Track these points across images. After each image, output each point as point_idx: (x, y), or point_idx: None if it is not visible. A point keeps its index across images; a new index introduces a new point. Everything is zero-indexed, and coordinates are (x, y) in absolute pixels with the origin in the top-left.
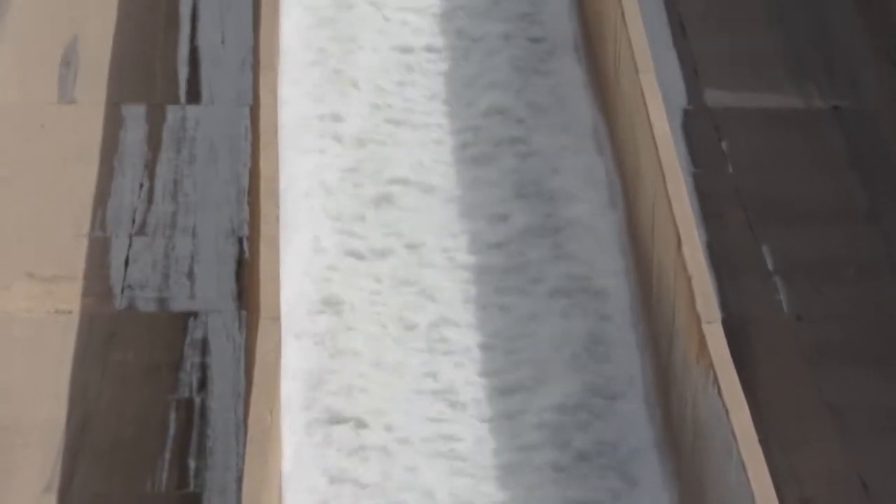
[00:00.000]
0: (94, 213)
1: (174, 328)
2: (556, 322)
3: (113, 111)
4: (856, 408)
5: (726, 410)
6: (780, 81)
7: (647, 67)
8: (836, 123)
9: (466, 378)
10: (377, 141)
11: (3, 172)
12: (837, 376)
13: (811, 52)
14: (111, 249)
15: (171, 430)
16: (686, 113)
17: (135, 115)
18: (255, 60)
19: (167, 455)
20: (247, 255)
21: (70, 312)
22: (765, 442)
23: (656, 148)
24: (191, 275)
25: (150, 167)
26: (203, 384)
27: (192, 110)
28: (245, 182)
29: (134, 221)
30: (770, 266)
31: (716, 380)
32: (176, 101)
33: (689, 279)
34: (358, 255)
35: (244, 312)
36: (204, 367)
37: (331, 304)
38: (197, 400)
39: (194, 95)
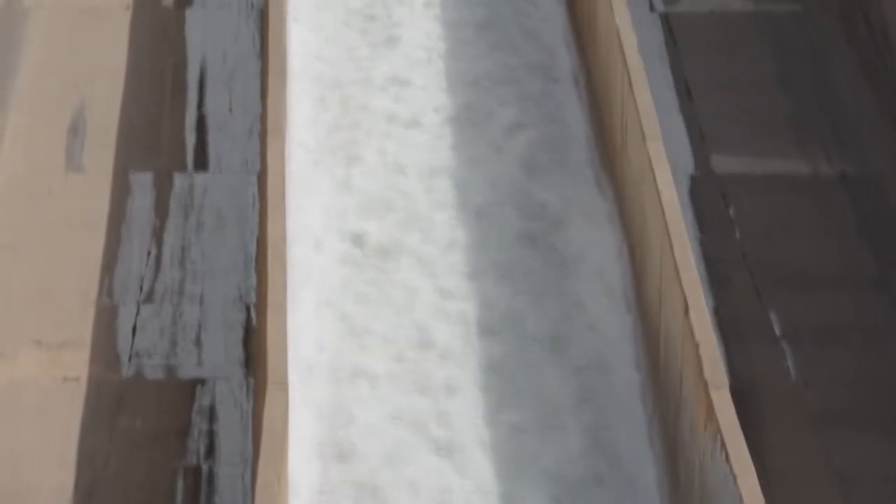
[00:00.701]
0: (102, 280)
1: (182, 395)
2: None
3: (120, 179)
4: (863, 474)
5: (734, 476)
6: (787, 147)
7: (654, 134)
8: (843, 189)
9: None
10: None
11: (11, 239)
12: (845, 442)
13: (818, 118)
14: (119, 317)
15: (179, 497)
16: (693, 179)
17: (142, 183)
18: (263, 127)
19: None
20: (254, 321)
21: (78, 379)
22: None
23: (663, 214)
24: (198, 342)
25: (158, 234)
26: (210, 451)
27: (199, 178)
28: (252, 249)
29: (141, 289)
30: (777, 331)
31: (723, 445)
32: (183, 168)
33: (696, 345)
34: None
35: (251, 379)
36: (211, 434)
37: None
38: (204, 467)
39: (202, 163)
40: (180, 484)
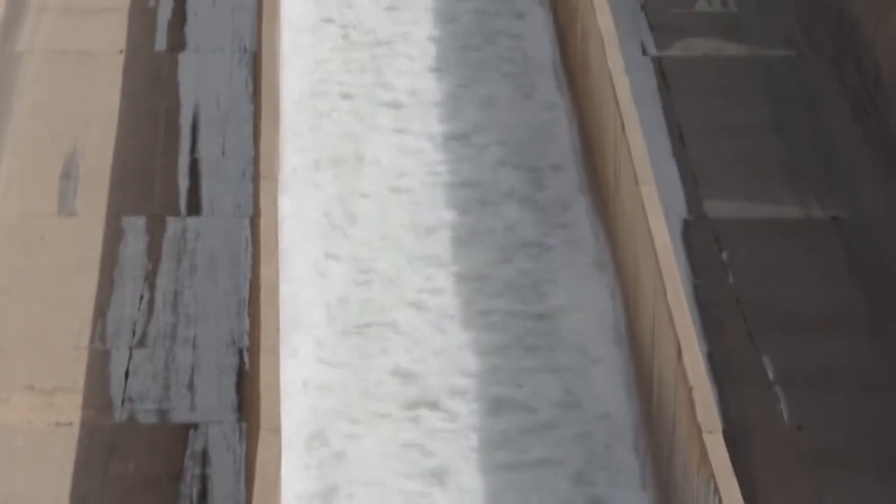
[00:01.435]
0: (94, 324)
1: (174, 440)
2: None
3: (113, 223)
4: None
5: None
6: (780, 191)
7: (647, 179)
8: (835, 233)
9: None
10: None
11: (3, 283)
12: (838, 486)
13: (810, 162)
14: (111, 361)
15: None
16: (686, 223)
17: (135, 227)
18: (256, 171)
19: None
20: (247, 366)
21: (70, 424)
22: None
23: (657, 258)
24: (191, 386)
25: (151, 279)
26: (203, 496)
27: (192, 222)
28: (245, 293)
29: (134, 333)
30: (771, 376)
31: (717, 490)
32: (176, 212)
33: (689, 389)
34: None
35: (244, 424)
36: (204, 479)
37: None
38: None
39: (195, 207)
40: None
